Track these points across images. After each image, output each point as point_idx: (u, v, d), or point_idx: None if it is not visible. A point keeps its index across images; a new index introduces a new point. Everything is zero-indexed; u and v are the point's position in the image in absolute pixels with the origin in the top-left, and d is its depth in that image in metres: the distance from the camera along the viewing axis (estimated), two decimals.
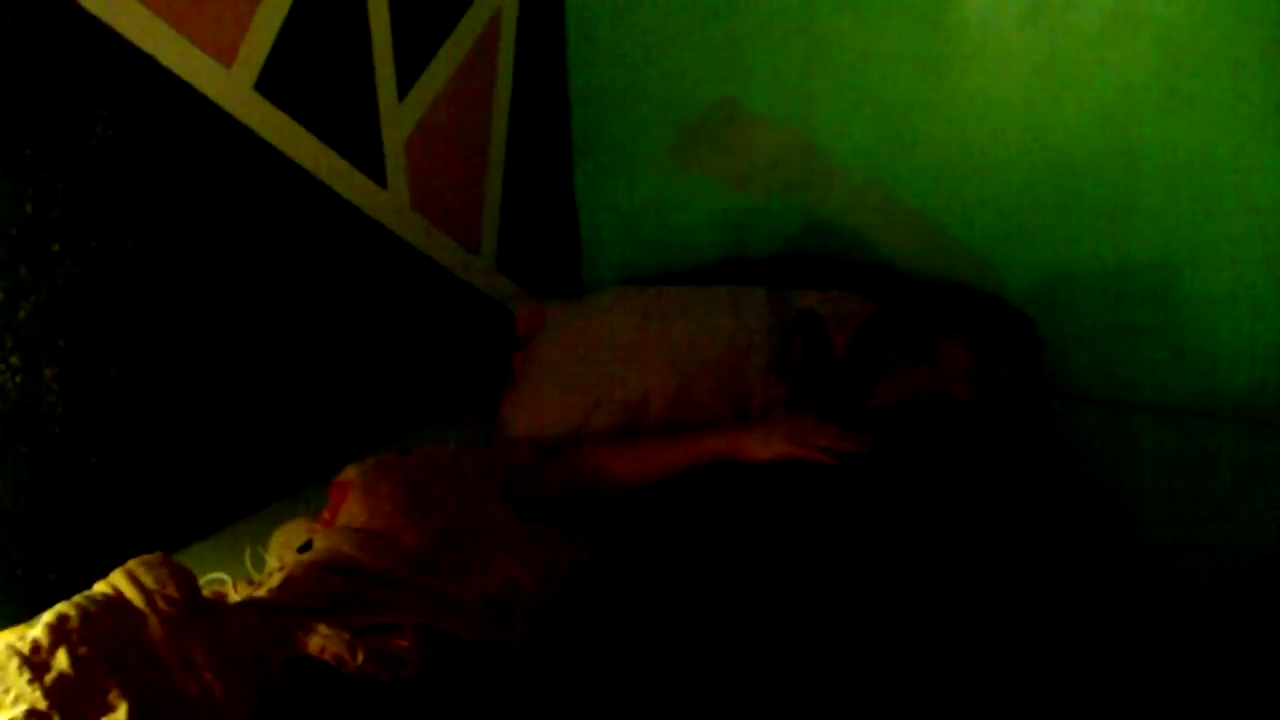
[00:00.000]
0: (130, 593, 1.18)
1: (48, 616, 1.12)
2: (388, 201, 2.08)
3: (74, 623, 1.11)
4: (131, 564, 1.22)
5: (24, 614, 1.40)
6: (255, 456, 1.87)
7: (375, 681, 1.19)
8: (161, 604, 1.17)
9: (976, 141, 2.06)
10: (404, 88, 2.07)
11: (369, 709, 1.18)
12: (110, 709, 1.06)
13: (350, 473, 1.63)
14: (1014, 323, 1.83)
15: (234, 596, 1.38)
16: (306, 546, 1.52)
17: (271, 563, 1.59)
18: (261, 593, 1.36)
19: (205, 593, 1.27)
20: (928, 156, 2.12)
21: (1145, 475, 1.78)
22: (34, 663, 1.07)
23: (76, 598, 1.16)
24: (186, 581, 1.21)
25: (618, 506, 1.62)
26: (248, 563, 1.62)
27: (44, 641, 1.09)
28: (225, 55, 1.73)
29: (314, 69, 1.88)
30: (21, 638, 1.10)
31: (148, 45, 1.61)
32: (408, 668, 1.22)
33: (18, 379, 1.51)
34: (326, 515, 1.62)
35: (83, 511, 1.62)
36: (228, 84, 1.74)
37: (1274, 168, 1.85)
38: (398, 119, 2.07)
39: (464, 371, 2.28)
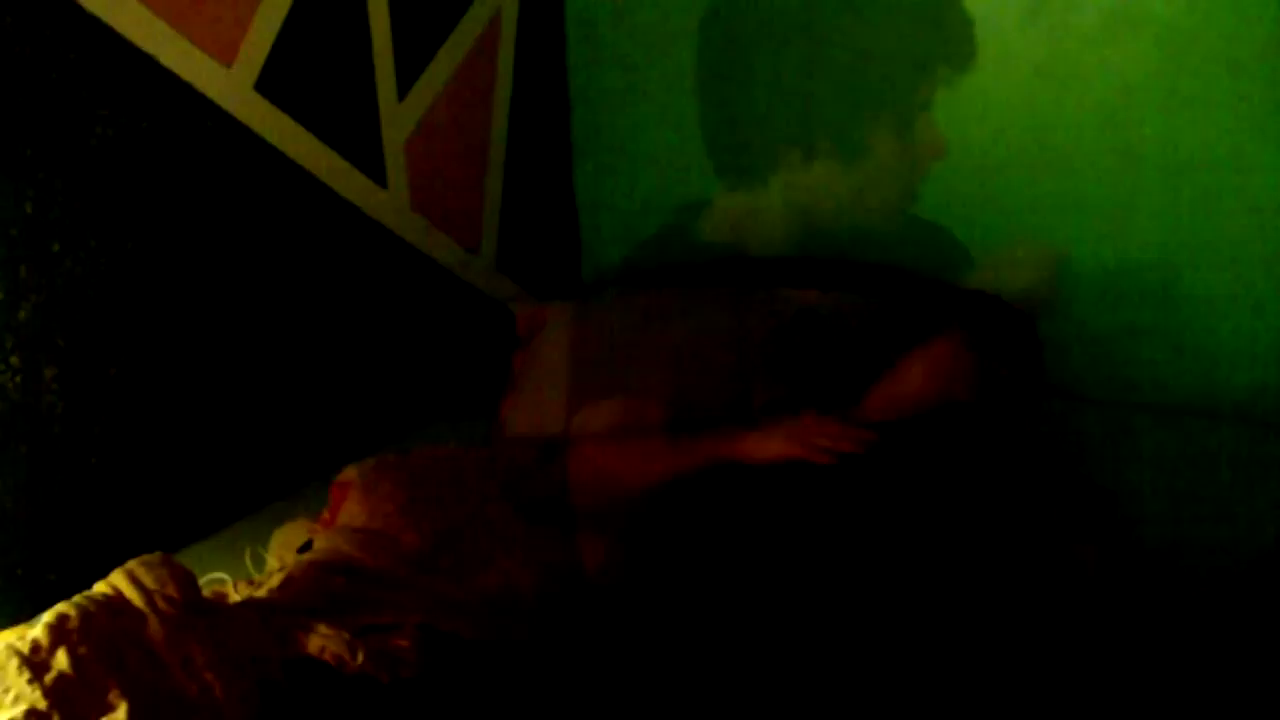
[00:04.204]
0: (130, 593, 1.18)
1: (48, 616, 1.12)
2: (388, 201, 2.08)
3: (74, 623, 1.11)
4: (131, 564, 1.22)
5: (24, 614, 1.40)
6: (255, 456, 1.87)
7: (375, 681, 1.19)
8: (161, 604, 1.17)
9: (976, 141, 2.06)
10: (404, 88, 2.07)
11: (369, 709, 1.18)
12: (110, 709, 1.06)
13: (350, 473, 1.63)
14: (1014, 322, 1.83)
15: (234, 596, 1.38)
16: (306, 546, 1.52)
17: (271, 563, 1.59)
18: (261, 593, 1.36)
19: (205, 593, 1.27)
20: (928, 156, 2.12)
21: (1145, 475, 1.78)
22: (34, 663, 1.07)
23: (76, 598, 1.16)
24: (186, 581, 1.22)
25: (621, 508, 1.62)
26: (248, 563, 1.62)
27: (44, 641, 1.09)
28: (225, 55, 1.73)
29: (314, 69, 1.88)
30: (21, 638, 1.10)
31: (148, 45, 1.61)
32: (408, 668, 1.22)
33: (18, 379, 1.51)
34: (326, 515, 1.62)
35: (83, 511, 1.62)
36: (228, 84, 1.74)
37: (1274, 168, 1.85)
38: (398, 119, 2.07)
39: (464, 371, 2.28)
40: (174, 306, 1.71)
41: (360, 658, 1.20)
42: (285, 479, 1.89)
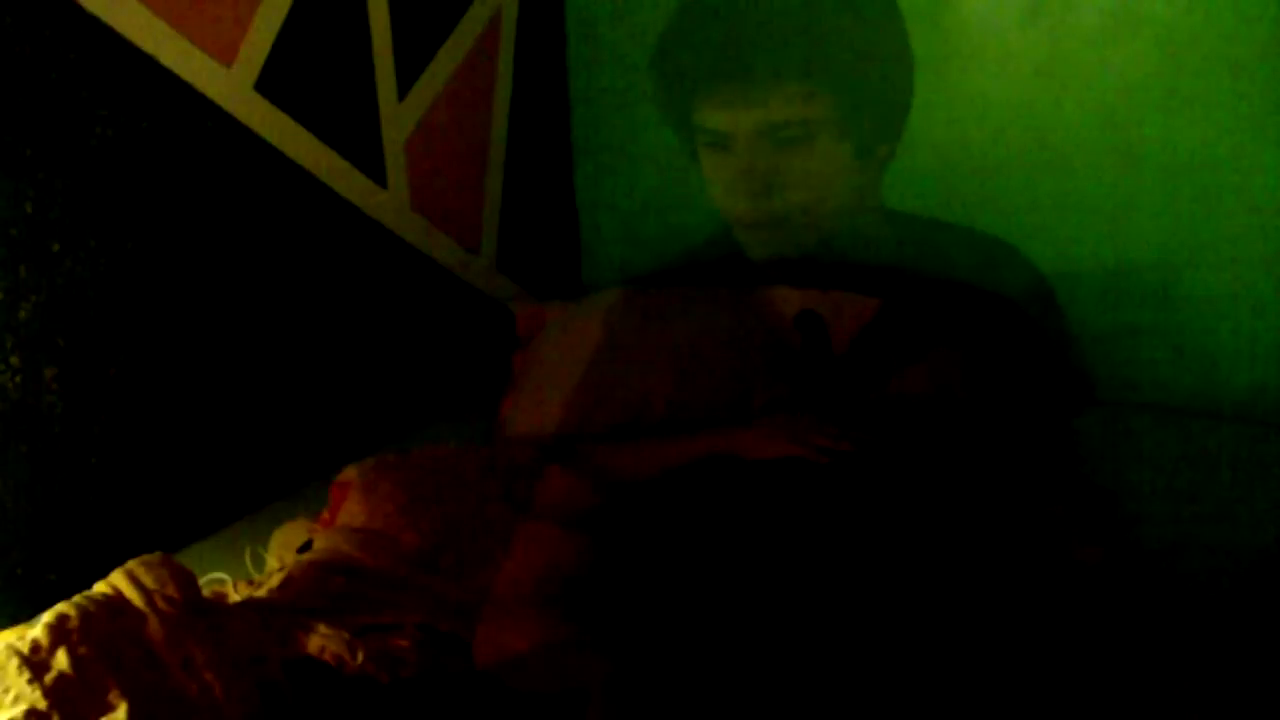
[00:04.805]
0: (130, 593, 1.18)
1: (48, 616, 1.12)
2: (388, 201, 2.08)
3: (74, 623, 1.11)
4: (131, 564, 1.22)
5: (24, 614, 1.40)
6: (255, 456, 1.87)
7: (375, 681, 1.19)
8: (161, 604, 1.17)
9: (976, 141, 2.06)
10: (404, 88, 2.07)
11: (369, 709, 1.18)
12: (110, 709, 1.06)
13: (350, 473, 1.63)
14: (1014, 323, 1.83)
15: (234, 596, 1.38)
16: (306, 546, 1.52)
17: (271, 563, 1.59)
18: (261, 593, 1.36)
19: (205, 593, 1.27)
20: (928, 156, 2.12)
21: (1145, 475, 1.78)
22: (34, 662, 1.07)
23: (76, 598, 1.17)
24: (186, 581, 1.22)
25: (617, 504, 1.62)
26: (248, 563, 1.62)
27: (44, 641, 1.09)
28: (225, 55, 1.73)
29: (314, 69, 1.88)
30: (21, 638, 1.10)
31: (148, 45, 1.61)
32: (408, 668, 1.22)
33: (18, 379, 1.51)
34: (326, 515, 1.62)
35: (83, 511, 1.62)
36: (228, 84, 1.74)
37: (1274, 168, 1.85)
38: (398, 119, 2.07)
39: (464, 371, 2.28)
40: (174, 306, 1.71)
41: (360, 658, 1.20)
42: (285, 479, 1.89)
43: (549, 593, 1.38)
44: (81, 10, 1.51)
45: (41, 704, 1.04)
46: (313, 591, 1.33)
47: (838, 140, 2.17)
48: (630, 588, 1.41)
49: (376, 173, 2.04)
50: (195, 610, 1.19)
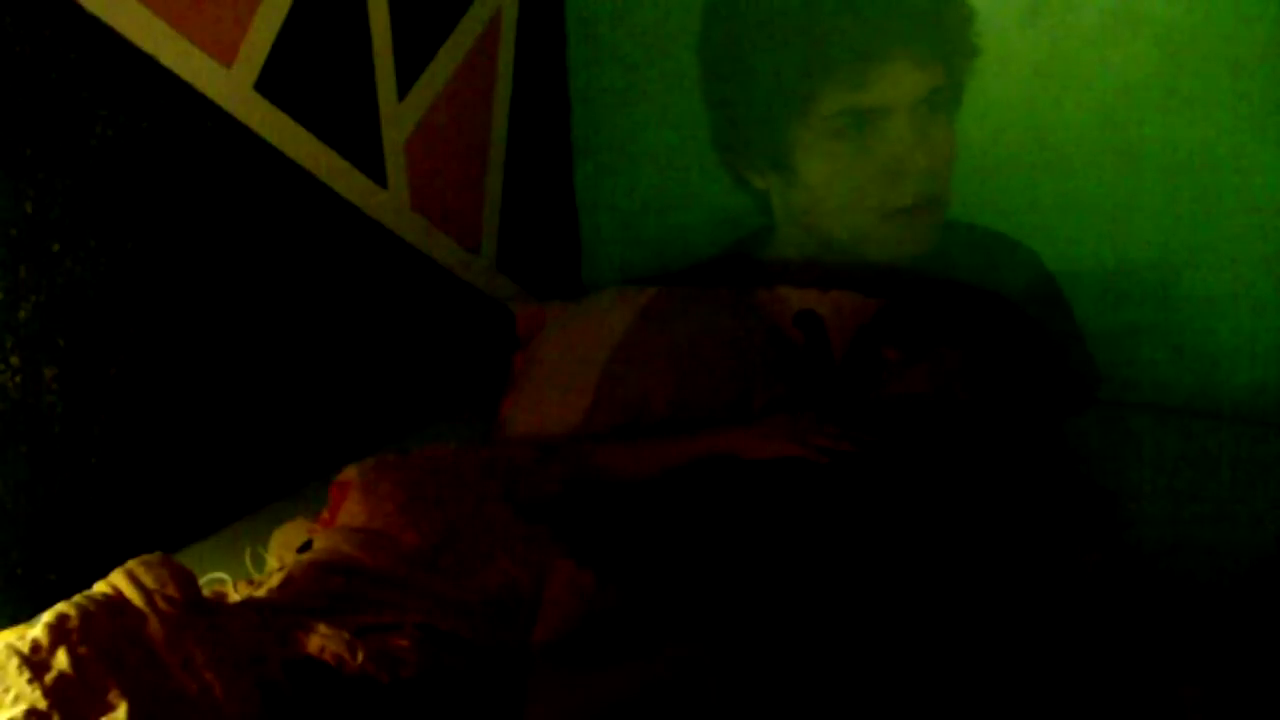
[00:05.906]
0: (130, 593, 1.18)
1: (48, 616, 1.12)
2: (388, 201, 2.08)
3: (74, 623, 1.11)
4: (131, 564, 1.22)
5: (24, 614, 1.40)
6: (255, 456, 1.87)
7: (375, 681, 1.19)
8: (161, 604, 1.17)
9: (976, 141, 2.07)
10: (404, 88, 2.07)
11: (369, 709, 1.18)
12: (110, 709, 1.06)
13: (350, 473, 1.63)
14: (1015, 323, 1.83)
15: (234, 596, 1.38)
16: (306, 546, 1.52)
17: (271, 563, 1.59)
18: (261, 593, 1.36)
19: (205, 593, 1.27)
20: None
21: (1145, 475, 1.79)
22: (34, 662, 1.07)
23: (76, 598, 1.16)
24: (186, 581, 1.22)
25: (617, 504, 1.62)
26: (248, 563, 1.62)
27: (44, 641, 1.09)
28: (225, 55, 1.73)
29: (314, 69, 1.88)
30: (21, 638, 1.10)
31: (148, 45, 1.61)
32: (408, 668, 1.22)
33: (18, 379, 1.51)
34: (326, 515, 1.62)
35: (83, 511, 1.62)
36: (228, 84, 1.74)
37: (1274, 168, 1.85)
38: (398, 119, 2.07)
39: (464, 371, 2.28)
40: (174, 306, 1.71)
41: (360, 658, 1.20)
42: (285, 479, 1.89)
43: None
44: (81, 10, 1.51)
45: (41, 704, 1.04)
46: (313, 591, 1.33)
47: (954, 108, 2.06)
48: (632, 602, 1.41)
49: (376, 173, 2.04)
50: (195, 610, 1.19)
